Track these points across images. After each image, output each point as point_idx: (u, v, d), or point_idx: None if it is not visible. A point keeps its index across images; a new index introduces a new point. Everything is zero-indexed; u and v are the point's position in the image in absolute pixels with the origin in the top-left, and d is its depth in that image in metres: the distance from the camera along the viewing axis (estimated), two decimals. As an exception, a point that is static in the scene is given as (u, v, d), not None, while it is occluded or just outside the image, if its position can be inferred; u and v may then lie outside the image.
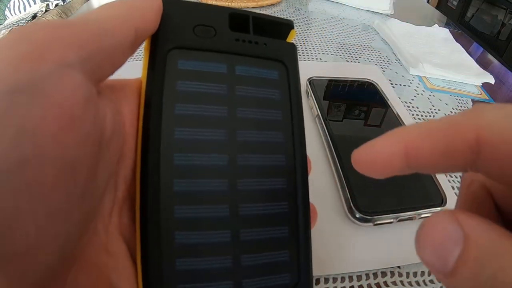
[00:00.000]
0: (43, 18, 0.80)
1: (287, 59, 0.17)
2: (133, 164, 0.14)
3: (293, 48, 0.17)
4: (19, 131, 0.09)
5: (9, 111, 0.09)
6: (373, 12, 0.71)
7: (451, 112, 0.43)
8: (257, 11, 0.63)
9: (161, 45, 0.14)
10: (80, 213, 0.11)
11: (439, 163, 0.10)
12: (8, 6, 1.07)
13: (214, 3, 0.62)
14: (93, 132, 0.11)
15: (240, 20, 0.16)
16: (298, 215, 0.15)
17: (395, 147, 0.10)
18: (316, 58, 0.50)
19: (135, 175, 0.14)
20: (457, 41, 0.61)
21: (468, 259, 0.08)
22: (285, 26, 0.17)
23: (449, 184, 0.32)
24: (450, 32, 0.63)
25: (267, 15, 0.17)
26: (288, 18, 0.69)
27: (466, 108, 0.45)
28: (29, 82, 0.09)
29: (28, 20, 0.85)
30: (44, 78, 0.10)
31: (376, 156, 0.11)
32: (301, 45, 0.53)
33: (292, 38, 0.18)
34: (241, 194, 0.14)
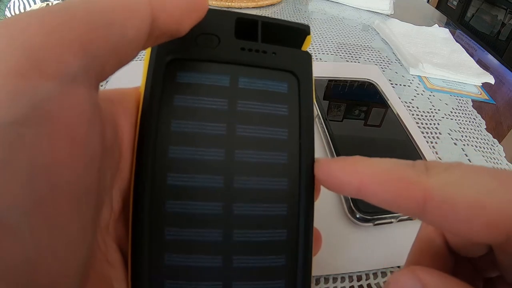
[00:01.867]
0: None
1: (299, 70, 0.15)
2: (129, 176, 0.13)
3: (306, 57, 0.15)
4: (31, 168, 0.08)
5: (16, 147, 0.08)
6: (373, 12, 0.71)
7: (451, 112, 0.43)
8: (257, 11, 0.63)
9: (161, 56, 0.14)
10: (92, 234, 0.11)
11: (388, 206, 0.11)
12: (8, 6, 1.07)
13: (215, 3, 0.61)
14: (99, 149, 0.11)
15: (247, 26, 0.15)
16: (298, 244, 0.14)
17: (350, 178, 0.12)
18: (316, 58, 0.50)
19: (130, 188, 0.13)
20: (457, 41, 0.61)
21: None
22: (300, 32, 0.16)
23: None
24: (450, 32, 0.63)
25: (280, 20, 0.15)
26: (288, 18, 0.69)
27: (466, 108, 0.45)
28: (30, 107, 0.08)
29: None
30: (46, 99, 0.09)
31: (333, 179, 0.12)
32: (301, 45, 0.53)
33: (307, 45, 0.16)
34: (237, 220, 0.13)
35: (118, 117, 0.13)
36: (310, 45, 0.19)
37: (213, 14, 0.14)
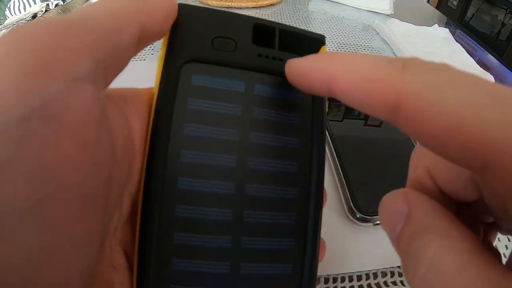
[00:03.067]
0: (43, 18, 0.80)
1: None
2: (139, 179, 0.13)
3: None
4: (37, 165, 0.08)
5: (22, 143, 0.08)
6: (373, 12, 0.71)
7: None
8: (257, 11, 0.63)
9: (176, 57, 0.13)
10: (101, 239, 0.11)
11: (359, 107, 0.10)
12: (8, 6, 1.07)
13: (215, 3, 0.61)
14: (109, 151, 0.10)
15: (265, 32, 0.15)
16: (305, 253, 0.14)
17: (321, 75, 0.11)
18: (316, 58, 0.50)
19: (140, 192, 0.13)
20: (457, 41, 0.61)
21: (406, 232, 0.10)
22: (315, 42, 0.16)
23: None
24: (450, 32, 0.63)
25: (296, 28, 0.15)
26: (288, 18, 0.68)
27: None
28: (39, 105, 0.08)
29: (28, 20, 0.85)
30: (55, 98, 0.09)
31: (304, 77, 0.12)
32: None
33: None
34: (246, 227, 0.13)
35: (131, 117, 0.13)
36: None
37: (230, 18, 0.14)
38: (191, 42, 0.13)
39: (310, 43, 0.16)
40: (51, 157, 0.08)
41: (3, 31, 0.79)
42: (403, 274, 0.10)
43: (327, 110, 0.15)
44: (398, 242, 0.10)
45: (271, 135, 0.14)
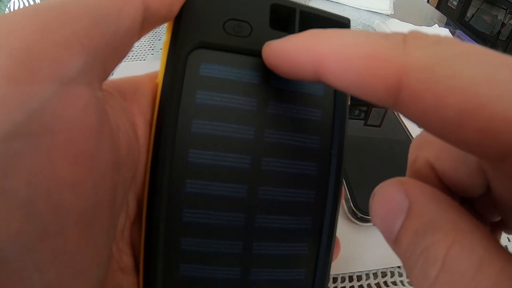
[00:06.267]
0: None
1: None
2: (144, 179, 0.12)
3: None
4: (30, 193, 0.07)
5: (11, 168, 0.07)
6: (373, 12, 0.71)
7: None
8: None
9: (182, 42, 0.12)
10: (108, 253, 0.10)
11: (353, 91, 0.08)
12: (8, 6, 1.07)
13: None
14: (111, 157, 0.09)
15: (284, 14, 0.13)
16: (318, 258, 0.13)
17: (304, 56, 0.09)
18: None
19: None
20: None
21: (409, 229, 0.08)
22: (340, 26, 0.14)
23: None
24: (450, 32, 0.63)
25: (319, 10, 0.13)
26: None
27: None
28: (24, 119, 0.07)
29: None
30: (43, 108, 0.07)
31: (284, 61, 0.10)
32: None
33: None
34: (258, 231, 0.12)
35: (133, 114, 0.12)
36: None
37: None
38: (200, 26, 0.12)
39: (334, 26, 0.14)
40: (44, 181, 0.07)
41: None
42: (407, 276, 0.08)
43: (349, 103, 0.13)
44: (397, 240, 0.08)
45: (288, 133, 0.13)
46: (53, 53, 0.08)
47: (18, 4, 1.07)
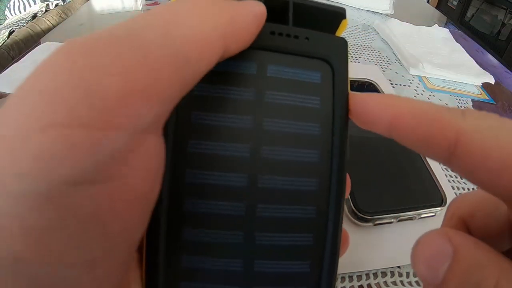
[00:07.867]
0: (43, 19, 0.80)
1: (334, 58, 0.13)
2: None
3: (343, 44, 0.14)
4: (86, 228, 0.07)
5: (69, 210, 0.07)
6: (373, 12, 0.71)
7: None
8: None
9: None
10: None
11: (417, 145, 0.11)
12: (8, 6, 1.07)
13: None
14: (155, 198, 0.10)
15: (277, 7, 0.13)
16: (324, 249, 0.13)
17: (384, 112, 0.11)
18: (316, 58, 0.50)
19: None
20: (457, 41, 0.61)
21: (456, 270, 0.09)
22: (335, 15, 0.14)
23: (449, 184, 0.32)
24: (450, 32, 0.63)
25: (312, 1, 0.13)
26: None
27: (466, 108, 0.45)
28: (92, 167, 0.07)
29: (28, 20, 0.85)
30: (114, 156, 0.07)
31: (367, 113, 0.12)
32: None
33: (342, 30, 0.14)
34: (260, 222, 0.12)
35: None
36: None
37: None
38: None
39: (329, 17, 0.14)
40: (103, 219, 0.08)
41: (3, 31, 0.79)
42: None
43: (349, 91, 0.13)
44: (444, 282, 0.09)
45: (287, 122, 0.13)
46: (131, 102, 0.07)
47: (18, 4, 1.07)
